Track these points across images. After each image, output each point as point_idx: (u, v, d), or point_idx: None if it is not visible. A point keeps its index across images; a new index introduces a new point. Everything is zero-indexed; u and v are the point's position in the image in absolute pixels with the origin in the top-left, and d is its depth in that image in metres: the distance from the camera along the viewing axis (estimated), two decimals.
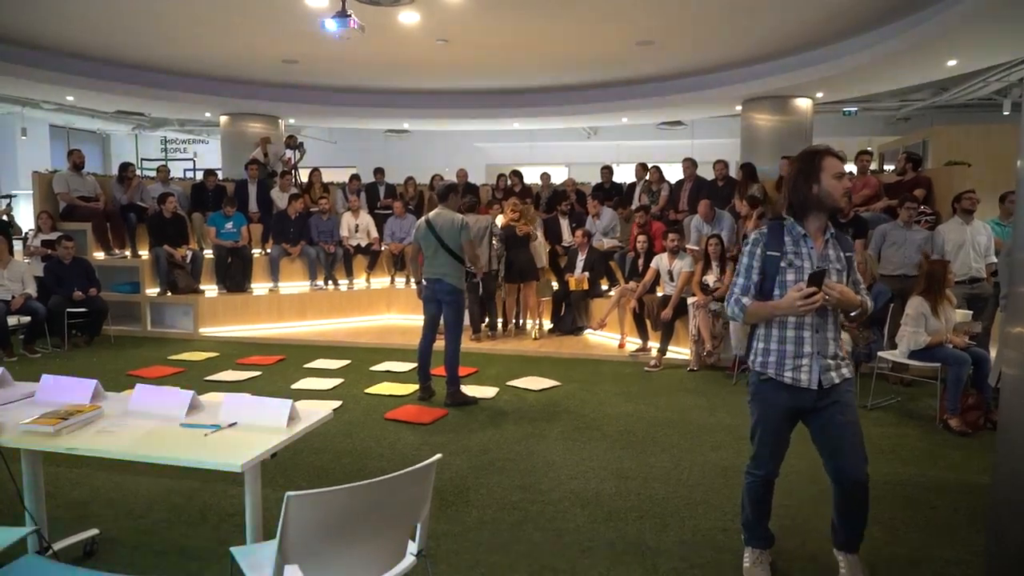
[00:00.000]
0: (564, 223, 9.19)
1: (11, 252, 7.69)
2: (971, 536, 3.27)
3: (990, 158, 8.55)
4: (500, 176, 10.48)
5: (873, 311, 2.69)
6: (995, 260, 6.28)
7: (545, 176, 10.50)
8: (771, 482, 2.83)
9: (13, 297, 7.11)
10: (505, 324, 8.36)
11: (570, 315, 8.24)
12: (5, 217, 9.57)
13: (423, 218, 5.63)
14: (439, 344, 5.58)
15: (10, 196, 11.53)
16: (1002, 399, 2.63)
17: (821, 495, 3.36)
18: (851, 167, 8.27)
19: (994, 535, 2.57)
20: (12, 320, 7.06)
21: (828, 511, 2.85)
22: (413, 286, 9.05)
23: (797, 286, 2.51)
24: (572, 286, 8.09)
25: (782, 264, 2.57)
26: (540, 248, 8.32)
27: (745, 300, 2.65)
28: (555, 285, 8.75)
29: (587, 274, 8.06)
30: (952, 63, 9.11)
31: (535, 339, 7.96)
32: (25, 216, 12.08)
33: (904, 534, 3.30)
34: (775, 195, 8.25)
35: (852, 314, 2.66)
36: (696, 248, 7.76)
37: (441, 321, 5.59)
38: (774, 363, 2.65)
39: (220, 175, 10.58)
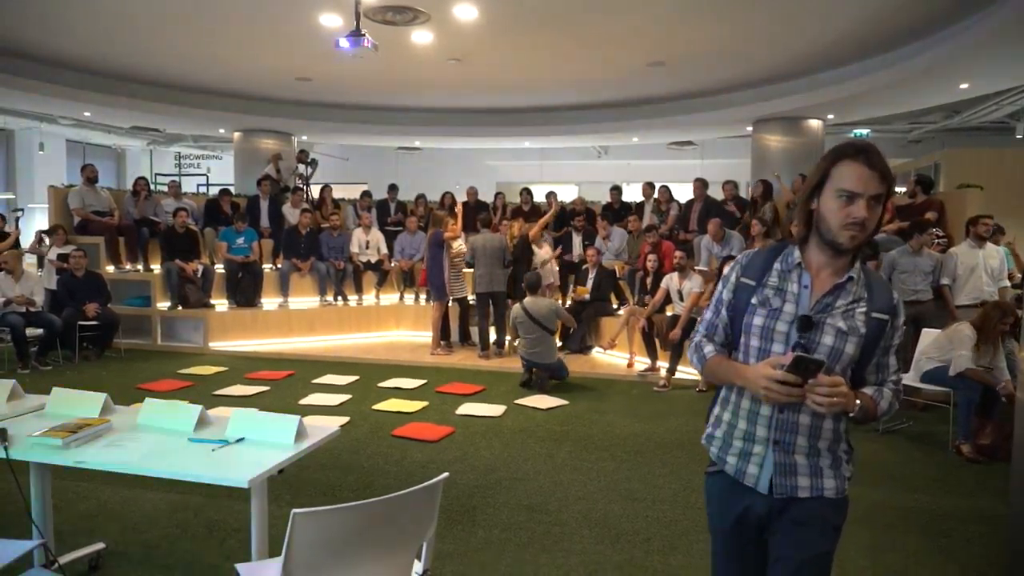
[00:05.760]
0: (576, 239, 9.21)
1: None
2: (985, 566, 3.22)
3: (1003, 182, 8.50)
4: (498, 195, 10.48)
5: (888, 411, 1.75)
6: (1007, 284, 6.22)
7: (551, 195, 10.52)
8: None
9: (27, 309, 7.17)
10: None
11: (579, 334, 8.22)
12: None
13: (518, 305, 6.74)
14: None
15: (20, 210, 11.65)
16: (1017, 427, 2.61)
17: None
18: None
19: (1013, 560, 2.53)
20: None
21: None
22: (422, 302, 9.15)
23: (772, 360, 1.66)
24: (577, 293, 8.21)
25: (753, 300, 1.77)
26: (548, 265, 8.34)
27: (708, 348, 1.88)
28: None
29: (587, 288, 8.10)
30: (964, 86, 9.12)
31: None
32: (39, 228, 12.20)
33: (917, 562, 3.25)
34: (785, 213, 8.22)
35: (850, 415, 1.71)
36: (706, 269, 7.74)
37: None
38: (720, 440, 1.88)
39: (233, 191, 10.68)
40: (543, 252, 8.47)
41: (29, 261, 8.64)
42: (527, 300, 6.68)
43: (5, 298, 7.14)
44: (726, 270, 1.91)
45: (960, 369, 4.93)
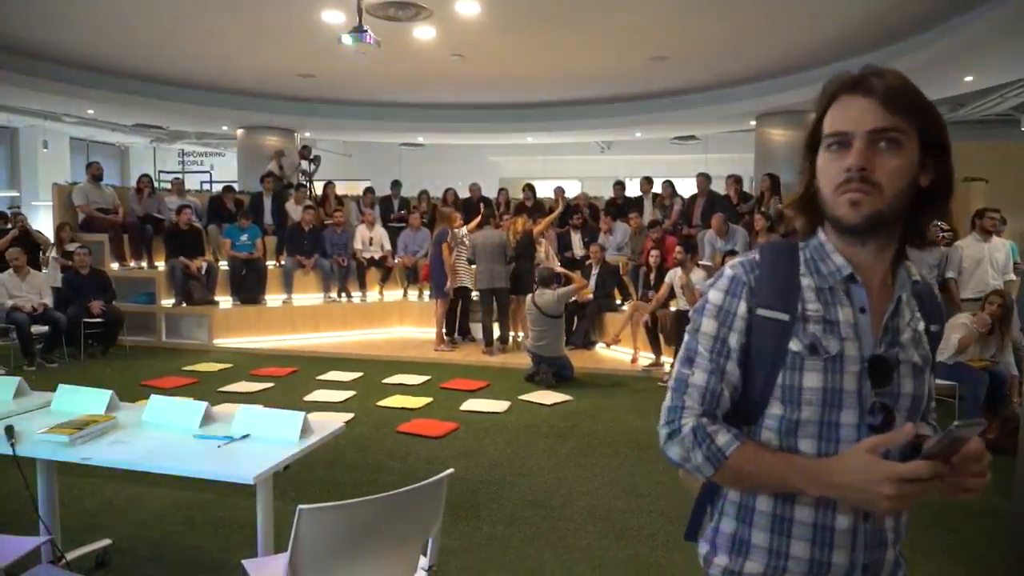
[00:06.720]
0: (576, 237, 9.20)
1: (31, 263, 7.79)
2: (991, 561, 3.21)
3: (1008, 174, 8.47)
4: (501, 191, 10.47)
5: None
6: (1014, 278, 6.20)
7: (559, 190, 10.50)
8: None
9: (33, 308, 7.19)
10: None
11: (582, 329, 8.22)
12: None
13: (530, 297, 6.90)
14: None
15: (18, 208, 11.69)
16: (1023, 421, 2.60)
17: None
18: None
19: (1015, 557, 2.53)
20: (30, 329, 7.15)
21: None
22: (425, 298, 9.15)
23: (869, 445, 1.02)
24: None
25: (792, 345, 1.09)
26: (549, 261, 8.34)
27: (723, 438, 1.10)
28: None
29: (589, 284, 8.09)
30: (969, 79, 9.07)
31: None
32: (44, 227, 12.23)
33: (926, 557, 3.24)
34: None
35: None
36: (710, 264, 7.73)
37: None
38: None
39: (236, 188, 10.69)
40: (542, 249, 8.46)
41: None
42: (536, 293, 6.80)
43: (12, 299, 7.15)
44: (713, 296, 1.15)
45: (950, 352, 4.94)
